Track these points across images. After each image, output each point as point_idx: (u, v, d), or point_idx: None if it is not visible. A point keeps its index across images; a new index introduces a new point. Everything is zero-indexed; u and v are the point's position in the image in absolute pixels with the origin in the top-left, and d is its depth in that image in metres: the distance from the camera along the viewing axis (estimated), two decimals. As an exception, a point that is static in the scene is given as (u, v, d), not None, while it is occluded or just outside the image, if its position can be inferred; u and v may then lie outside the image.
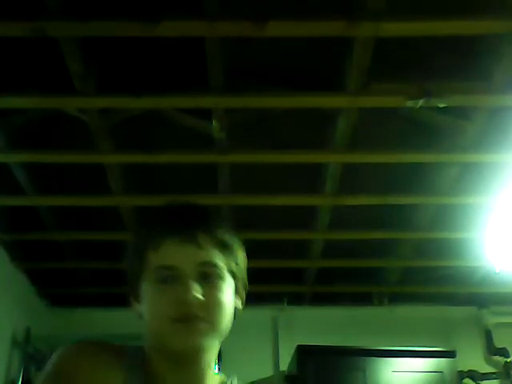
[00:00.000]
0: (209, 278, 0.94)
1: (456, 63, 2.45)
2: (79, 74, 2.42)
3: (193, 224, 0.96)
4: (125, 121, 2.75)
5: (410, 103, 2.50)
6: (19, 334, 3.97)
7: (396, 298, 4.58)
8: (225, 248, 0.98)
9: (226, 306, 0.95)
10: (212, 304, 0.93)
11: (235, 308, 0.99)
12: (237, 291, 1.00)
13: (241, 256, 1.01)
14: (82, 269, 4.24)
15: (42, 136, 2.89)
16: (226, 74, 2.46)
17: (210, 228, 0.97)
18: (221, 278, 0.96)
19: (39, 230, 3.71)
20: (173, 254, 0.94)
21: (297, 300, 4.57)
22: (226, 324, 0.96)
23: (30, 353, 4.01)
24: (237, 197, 3.31)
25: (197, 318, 0.92)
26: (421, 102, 2.48)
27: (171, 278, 0.94)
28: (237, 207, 3.37)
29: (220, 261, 0.96)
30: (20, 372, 3.92)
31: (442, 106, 2.52)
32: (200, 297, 0.92)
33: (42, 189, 3.27)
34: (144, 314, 0.97)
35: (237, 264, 1.00)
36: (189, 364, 0.96)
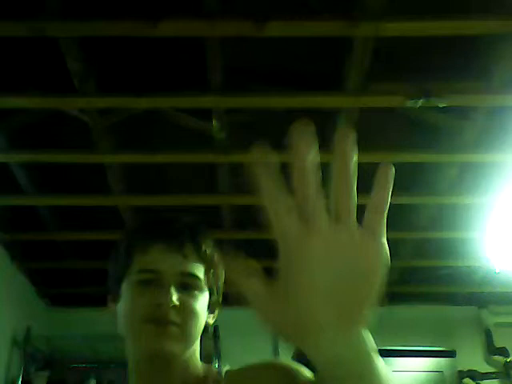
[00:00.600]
0: (188, 287, 0.97)
1: (456, 63, 2.45)
2: (79, 73, 2.42)
3: (182, 235, 1.00)
4: (125, 121, 2.75)
5: (410, 103, 2.50)
6: (19, 334, 3.97)
7: (396, 298, 4.58)
8: (208, 263, 1.01)
9: (199, 316, 0.98)
10: (186, 311, 0.96)
11: (206, 322, 1.01)
12: (210, 306, 1.02)
13: (221, 273, 1.04)
14: (82, 269, 4.24)
15: (42, 136, 2.89)
16: (225, 74, 2.46)
17: (196, 241, 1.00)
18: (199, 289, 0.98)
19: (39, 230, 3.71)
20: (159, 259, 0.98)
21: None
22: (196, 333, 0.98)
23: (30, 353, 4.01)
24: (237, 197, 3.31)
25: (169, 322, 0.94)
26: (421, 102, 2.48)
27: (153, 282, 0.97)
28: (237, 207, 3.38)
29: (201, 274, 0.99)
30: (20, 372, 3.92)
31: (441, 105, 2.52)
32: (176, 303, 0.95)
33: (42, 189, 3.27)
34: (120, 312, 1.00)
35: (216, 280, 1.03)
36: (162, 366, 0.97)
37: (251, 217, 3.75)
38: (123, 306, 0.99)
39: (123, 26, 2.22)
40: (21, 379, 3.91)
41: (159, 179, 3.26)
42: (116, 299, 1.02)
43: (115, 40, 2.33)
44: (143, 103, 2.61)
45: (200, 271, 0.99)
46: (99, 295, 4.89)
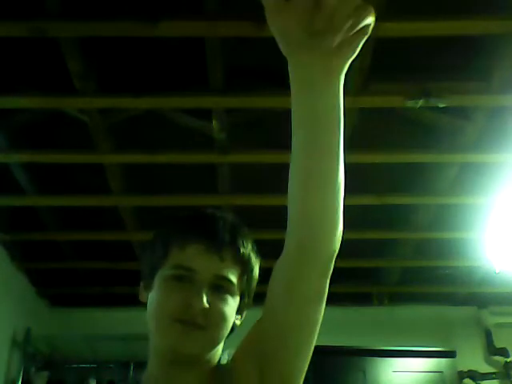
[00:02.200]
0: (220, 290, 0.97)
1: (456, 63, 2.45)
2: (79, 73, 2.42)
3: (222, 236, 0.99)
4: (125, 121, 2.75)
5: (409, 103, 2.50)
6: (19, 334, 3.97)
7: (396, 298, 4.58)
8: (244, 267, 1.00)
9: (227, 320, 0.98)
10: (215, 315, 0.96)
11: (234, 323, 1.01)
12: (240, 308, 1.02)
13: (255, 276, 1.04)
14: (82, 269, 4.24)
15: (42, 136, 2.89)
16: (225, 74, 2.46)
17: (235, 244, 1.00)
18: (230, 293, 0.98)
19: (39, 230, 3.70)
20: (196, 258, 0.97)
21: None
22: (222, 336, 0.99)
23: (30, 353, 4.01)
24: (237, 197, 3.31)
25: (196, 325, 0.94)
26: (421, 102, 2.48)
27: (186, 279, 0.96)
28: (237, 207, 3.37)
29: (235, 278, 0.99)
30: (20, 372, 3.92)
31: (441, 106, 2.52)
32: (206, 305, 0.94)
33: (42, 189, 3.26)
34: (149, 303, 1.00)
35: (249, 284, 1.03)
36: (182, 364, 0.98)
37: (251, 217, 3.75)
38: (153, 298, 0.99)
39: (123, 26, 2.22)
40: (21, 379, 3.90)
41: (159, 179, 3.26)
42: (148, 288, 1.01)
43: (115, 40, 2.33)
44: (143, 103, 2.61)
45: (234, 275, 0.99)
46: (99, 295, 4.88)
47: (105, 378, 4.00)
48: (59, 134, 2.88)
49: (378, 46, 2.28)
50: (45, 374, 4.07)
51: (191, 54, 2.43)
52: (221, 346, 1.02)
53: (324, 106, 0.79)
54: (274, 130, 2.86)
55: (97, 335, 3.96)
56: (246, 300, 1.03)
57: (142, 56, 2.47)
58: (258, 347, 0.94)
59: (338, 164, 0.82)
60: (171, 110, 2.70)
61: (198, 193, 3.28)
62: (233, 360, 0.99)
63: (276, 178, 3.36)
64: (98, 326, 4.25)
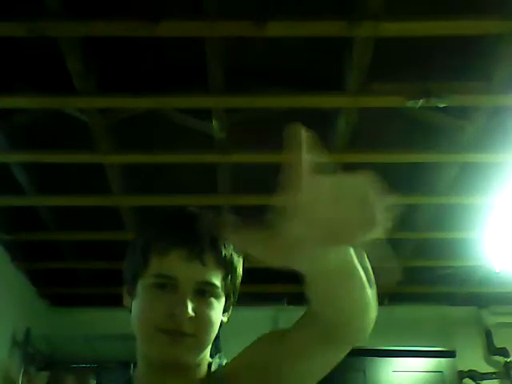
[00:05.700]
0: (204, 294, 0.96)
1: (456, 63, 2.45)
2: (79, 73, 2.42)
3: (202, 240, 0.97)
4: (125, 121, 2.75)
5: (409, 103, 2.50)
6: (19, 334, 3.97)
7: (396, 298, 4.58)
8: (227, 268, 0.98)
9: (214, 324, 0.97)
10: (201, 321, 0.94)
11: (220, 321, 1.00)
12: (226, 309, 1.01)
13: (239, 274, 1.02)
14: (82, 269, 4.24)
15: (41, 136, 2.89)
16: (226, 74, 2.46)
17: (217, 247, 0.97)
18: (215, 296, 0.97)
19: (39, 229, 3.71)
20: (177, 265, 0.95)
21: (297, 300, 4.56)
22: (210, 340, 0.98)
23: (30, 353, 4.01)
24: (237, 197, 3.31)
25: (183, 333, 0.93)
26: (421, 102, 2.48)
27: (168, 287, 0.95)
28: (237, 207, 3.38)
29: (218, 281, 0.97)
30: (20, 372, 3.92)
31: (441, 105, 2.52)
32: (191, 313, 0.93)
33: (42, 189, 3.27)
34: (133, 311, 0.98)
35: (233, 284, 1.01)
36: (173, 372, 0.97)
37: (251, 217, 3.74)
38: (137, 307, 0.97)
39: (123, 25, 2.22)
40: (21, 379, 3.91)
41: (159, 179, 3.26)
42: (131, 294, 0.99)
43: (115, 40, 2.34)
44: (143, 103, 2.61)
45: (218, 278, 0.97)
46: (99, 295, 4.87)
47: (105, 378, 4.00)
48: (59, 134, 2.89)
49: (378, 46, 2.28)
50: (45, 374, 4.07)
51: (191, 53, 2.43)
52: (209, 349, 1.01)
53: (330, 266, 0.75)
54: (274, 130, 2.86)
55: (97, 335, 3.96)
56: (232, 299, 1.02)
57: (142, 56, 2.47)
58: (263, 365, 0.92)
59: (361, 286, 0.85)
60: (171, 109, 2.70)
61: (198, 193, 3.28)
62: (227, 367, 0.98)
63: (276, 178, 3.36)
64: (98, 325, 4.25)
